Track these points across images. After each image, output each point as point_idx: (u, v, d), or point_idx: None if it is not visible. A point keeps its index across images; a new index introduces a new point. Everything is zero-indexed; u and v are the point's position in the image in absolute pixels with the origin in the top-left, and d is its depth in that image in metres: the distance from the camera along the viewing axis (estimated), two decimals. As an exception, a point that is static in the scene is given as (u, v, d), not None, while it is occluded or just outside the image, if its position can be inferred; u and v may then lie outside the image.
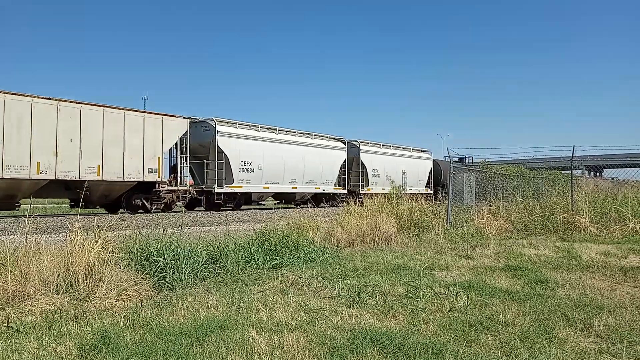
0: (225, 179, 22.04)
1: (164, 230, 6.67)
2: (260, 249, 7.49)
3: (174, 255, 6.04)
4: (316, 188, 27.26)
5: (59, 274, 5.00)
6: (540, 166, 20.58)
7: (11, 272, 4.81)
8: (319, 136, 28.12)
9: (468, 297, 5.06)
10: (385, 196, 12.69)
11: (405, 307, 4.77)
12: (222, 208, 22.83)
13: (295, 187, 25.90)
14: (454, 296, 5.09)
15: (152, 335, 3.91)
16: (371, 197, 23.77)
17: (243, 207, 24.51)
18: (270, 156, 24.14)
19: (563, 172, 20.02)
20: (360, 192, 28.29)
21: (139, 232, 6.89)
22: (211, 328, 4.04)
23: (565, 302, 4.96)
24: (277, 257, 7.25)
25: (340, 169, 28.77)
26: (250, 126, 24.01)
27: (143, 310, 4.64)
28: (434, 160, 36.42)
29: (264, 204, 27.21)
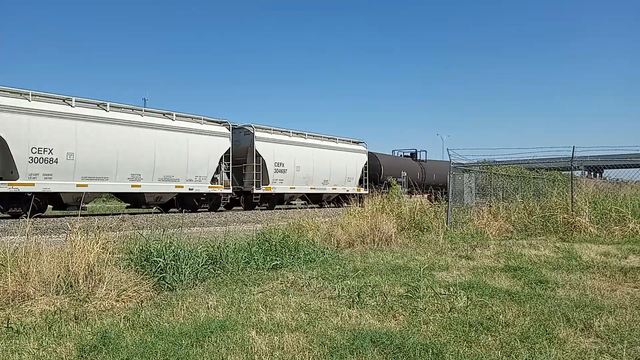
0: (261, 180, 23.02)
1: (163, 231, 6.67)
2: (260, 249, 7.49)
3: (174, 255, 6.04)
4: (333, 189, 27.63)
5: (58, 275, 5.00)
6: (540, 166, 20.57)
7: (11, 272, 4.81)
8: (343, 140, 28.91)
9: (468, 298, 5.06)
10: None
11: (406, 308, 4.77)
12: (257, 207, 23.51)
13: (315, 188, 26.55)
14: (454, 297, 5.09)
15: (152, 336, 3.91)
16: (269, 199, 21.89)
17: (276, 206, 25.10)
18: (300, 159, 25.05)
19: (563, 172, 20.02)
20: (255, 191, 22.68)
21: (139, 233, 6.88)
22: (211, 328, 4.03)
23: (565, 303, 4.96)
24: (277, 258, 7.25)
25: (362, 170, 29.48)
26: (282, 131, 24.93)
27: (143, 311, 4.64)
28: (370, 154, 30.83)
29: (295, 204, 26.94)
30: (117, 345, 3.69)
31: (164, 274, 5.82)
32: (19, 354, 3.55)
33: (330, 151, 27.22)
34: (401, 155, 37.49)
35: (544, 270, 6.81)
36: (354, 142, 29.69)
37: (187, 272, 5.96)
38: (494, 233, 11.22)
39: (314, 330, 4.07)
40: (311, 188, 25.99)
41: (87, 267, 5.15)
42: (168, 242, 6.36)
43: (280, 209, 23.82)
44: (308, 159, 25.62)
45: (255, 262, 7.00)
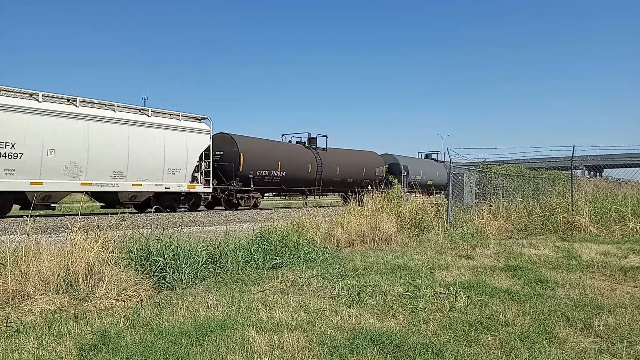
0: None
1: (163, 230, 6.68)
2: (260, 248, 7.49)
3: (173, 255, 6.05)
4: (136, 184, 17.69)
5: (58, 274, 5.00)
6: (541, 166, 20.56)
7: (11, 271, 4.81)
8: (160, 113, 19.14)
9: (468, 297, 5.06)
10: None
11: (405, 307, 4.77)
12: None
13: (92, 184, 16.61)
14: (453, 296, 5.09)
15: (152, 335, 3.91)
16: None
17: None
18: (58, 137, 15.64)
19: (563, 172, 20.01)
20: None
21: (139, 233, 6.88)
22: (211, 328, 4.04)
23: (565, 302, 4.96)
24: (277, 257, 7.25)
25: (201, 158, 19.79)
26: (20, 93, 15.33)
27: (143, 310, 4.64)
28: (216, 136, 21.61)
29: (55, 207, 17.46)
30: (117, 344, 3.69)
31: (163, 273, 5.82)
32: (18, 353, 3.55)
33: (131, 127, 17.72)
34: (290, 142, 28.07)
35: (543, 270, 6.81)
36: (185, 116, 19.66)
37: (187, 272, 5.96)
38: (494, 232, 11.22)
39: (314, 330, 4.07)
40: (83, 184, 16.40)
41: (87, 266, 5.15)
42: (168, 241, 6.36)
43: (280, 209, 23.69)
44: (77, 139, 16.06)
45: (255, 261, 7.00)
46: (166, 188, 18.68)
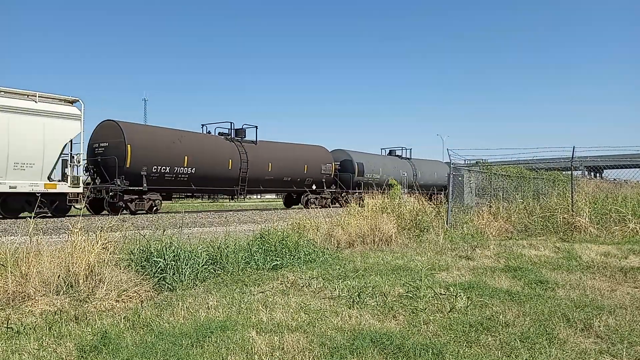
0: None
1: (163, 231, 6.67)
2: (260, 249, 7.50)
3: (174, 256, 6.05)
4: None
5: (59, 275, 5.00)
6: (541, 167, 20.57)
7: (11, 273, 4.81)
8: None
9: (468, 298, 5.06)
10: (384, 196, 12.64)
11: (406, 308, 4.77)
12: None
13: None
14: (454, 297, 5.08)
15: (152, 336, 3.91)
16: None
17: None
18: None
19: (563, 172, 20.02)
20: None
21: (140, 233, 6.88)
22: (211, 329, 4.04)
23: (565, 303, 4.96)
24: (277, 258, 7.25)
25: (62, 149, 15.96)
26: None
27: (143, 311, 4.64)
28: (103, 124, 18.78)
29: None
30: (117, 345, 3.69)
31: (164, 274, 5.82)
32: (19, 354, 3.55)
33: None
34: (210, 133, 23.38)
35: (544, 271, 6.81)
36: (44, 98, 15.88)
37: (187, 273, 5.96)
38: (494, 233, 11.22)
39: (314, 331, 4.07)
40: None
41: (87, 267, 5.15)
42: (168, 242, 6.36)
43: (277, 209, 23.55)
44: None
45: (255, 262, 7.00)
46: (11, 188, 14.82)
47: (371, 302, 5.00)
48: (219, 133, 23.45)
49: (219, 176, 21.38)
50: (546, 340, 3.84)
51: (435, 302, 4.95)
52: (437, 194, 21.73)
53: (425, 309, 4.74)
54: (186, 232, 7.97)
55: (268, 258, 7.21)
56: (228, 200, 26.20)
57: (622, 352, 3.60)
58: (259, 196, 42.34)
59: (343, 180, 28.88)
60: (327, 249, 8.51)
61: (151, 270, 5.82)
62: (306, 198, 25.99)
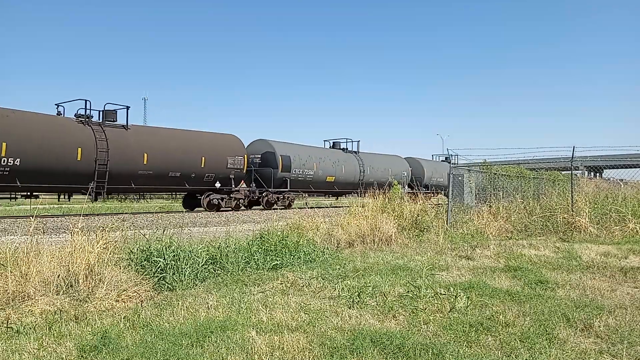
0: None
1: (163, 231, 6.67)
2: (260, 249, 7.49)
3: (174, 255, 6.04)
4: None
5: (59, 275, 5.00)
6: (541, 167, 20.57)
7: (11, 272, 4.81)
8: None
9: (468, 298, 5.06)
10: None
11: (406, 308, 4.77)
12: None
13: None
14: (454, 297, 5.08)
15: (152, 336, 3.91)
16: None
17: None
18: None
19: (563, 172, 20.02)
20: None
21: (141, 233, 6.88)
22: (211, 329, 4.04)
23: (565, 303, 4.96)
24: (277, 258, 7.25)
25: None
26: None
27: (143, 311, 4.64)
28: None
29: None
30: (117, 345, 3.69)
31: (164, 274, 5.82)
32: (19, 354, 3.55)
33: None
34: (60, 114, 17.62)
35: (544, 271, 6.81)
36: None
37: (187, 272, 5.96)
38: (494, 233, 11.21)
39: (314, 331, 4.07)
40: None
41: (87, 267, 5.14)
42: (168, 242, 6.36)
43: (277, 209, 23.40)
44: None
45: (255, 262, 7.00)
46: None
47: (371, 302, 5.00)
48: (76, 115, 17.88)
49: (63, 169, 16.36)
50: (546, 340, 3.84)
51: (435, 302, 4.95)
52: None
53: (425, 308, 4.74)
54: (186, 232, 7.97)
55: (268, 258, 7.21)
56: (90, 202, 20.21)
57: (622, 352, 3.60)
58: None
59: (263, 176, 23.99)
60: (327, 248, 8.50)
61: (151, 270, 5.82)
62: (207, 199, 21.25)
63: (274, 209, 23.21)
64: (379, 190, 12.64)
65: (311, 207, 13.04)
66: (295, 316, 4.50)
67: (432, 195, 29.89)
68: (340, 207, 22.25)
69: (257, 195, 23.60)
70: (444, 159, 38.34)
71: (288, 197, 24.92)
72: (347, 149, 30.20)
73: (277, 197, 24.27)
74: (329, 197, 31.72)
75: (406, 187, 31.73)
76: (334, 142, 30.49)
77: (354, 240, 9.41)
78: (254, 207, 24.24)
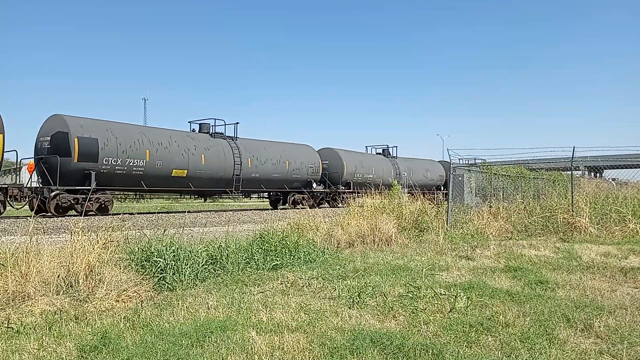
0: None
1: (164, 231, 6.67)
2: (260, 249, 7.49)
3: (174, 256, 6.04)
4: None
5: (59, 275, 5.00)
6: (541, 167, 20.56)
7: (11, 272, 4.81)
8: None
9: (468, 298, 5.06)
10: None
11: (406, 308, 4.77)
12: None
13: None
14: (454, 297, 5.08)
15: (152, 336, 3.91)
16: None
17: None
18: None
19: (563, 172, 20.01)
20: None
21: (141, 233, 6.88)
22: (211, 329, 4.04)
23: (565, 303, 4.96)
24: (277, 258, 7.25)
25: None
26: None
27: (143, 311, 4.64)
28: None
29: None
30: (117, 345, 3.69)
31: (164, 274, 5.82)
32: (19, 354, 3.55)
33: None
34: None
35: (544, 271, 6.80)
36: None
37: (187, 273, 5.96)
38: (494, 233, 11.21)
39: (314, 331, 4.07)
40: None
41: (87, 267, 5.15)
42: (168, 242, 6.36)
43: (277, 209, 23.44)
44: None
45: (255, 262, 7.00)
46: None
47: (371, 302, 5.00)
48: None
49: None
50: (546, 340, 3.84)
51: (435, 302, 4.95)
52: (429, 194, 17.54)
53: (425, 309, 4.74)
54: (187, 232, 7.97)
55: (268, 258, 7.21)
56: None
57: (622, 352, 3.60)
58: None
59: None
60: (327, 249, 8.50)
61: (151, 270, 5.82)
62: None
63: (338, 206, 25.59)
64: (419, 190, 12.86)
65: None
66: (295, 316, 4.50)
67: (357, 196, 20.89)
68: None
69: (329, 195, 26.42)
70: (379, 152, 34.34)
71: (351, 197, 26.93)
72: (388, 154, 32.81)
73: (343, 197, 26.81)
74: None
75: (442, 189, 32.34)
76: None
77: (354, 240, 9.41)
78: (321, 206, 26.09)
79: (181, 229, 7.38)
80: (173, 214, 18.95)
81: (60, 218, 15.35)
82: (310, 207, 22.85)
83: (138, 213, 17.90)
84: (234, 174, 21.80)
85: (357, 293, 5.27)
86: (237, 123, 23.37)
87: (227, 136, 22.70)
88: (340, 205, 25.93)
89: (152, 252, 6.08)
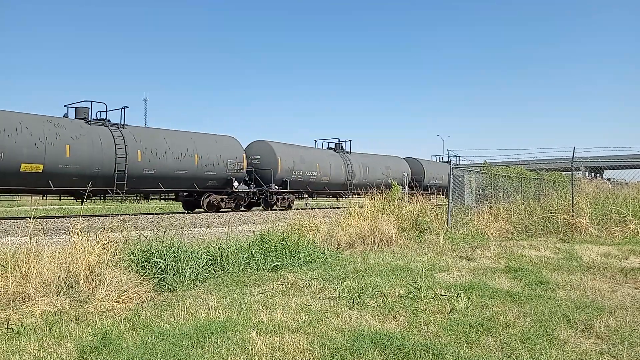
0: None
1: (164, 232, 6.67)
2: (260, 250, 7.49)
3: (174, 256, 6.04)
4: None
5: (59, 276, 5.00)
6: (541, 167, 20.56)
7: (12, 273, 4.81)
8: None
9: (469, 299, 5.05)
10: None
11: (406, 309, 4.77)
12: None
13: None
14: (454, 297, 5.08)
15: (153, 337, 3.91)
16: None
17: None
18: None
19: (563, 173, 20.01)
20: None
21: (141, 234, 6.88)
22: (212, 329, 4.04)
23: (565, 304, 4.96)
24: (278, 259, 7.25)
25: None
26: None
27: (143, 312, 4.64)
28: None
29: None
30: (117, 346, 3.69)
31: (164, 275, 5.82)
32: (19, 354, 3.55)
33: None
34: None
35: (544, 271, 6.80)
36: None
37: (187, 273, 5.96)
38: (494, 234, 11.20)
39: (315, 331, 4.07)
40: None
41: (87, 268, 5.15)
42: (169, 243, 6.36)
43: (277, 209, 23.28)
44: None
45: (255, 263, 7.00)
46: None
47: (371, 303, 5.00)
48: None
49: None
50: (547, 341, 3.84)
51: (436, 302, 4.95)
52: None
53: (426, 309, 4.74)
54: (187, 233, 7.98)
55: (268, 259, 7.21)
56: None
57: (623, 353, 3.60)
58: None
59: (264, 177, 23.68)
60: (328, 249, 8.50)
61: (151, 271, 5.82)
62: (207, 200, 21.20)
63: (273, 209, 22.82)
64: (377, 190, 12.65)
65: (312, 208, 13.00)
66: (296, 317, 4.50)
67: (433, 195, 26.03)
68: (338, 207, 21.85)
69: (257, 196, 23.08)
70: (444, 160, 37.10)
71: (288, 198, 24.21)
72: (337, 148, 29.16)
73: (277, 198, 23.68)
74: (314, 197, 28.36)
75: (406, 188, 30.78)
76: (324, 142, 29.21)
77: (354, 241, 9.41)
78: (254, 208, 23.93)
79: (181, 229, 7.38)
80: (173, 214, 18.94)
81: (60, 219, 15.39)
82: (233, 210, 21.19)
83: (135, 214, 17.86)
84: (115, 170, 17.33)
85: (357, 294, 5.26)
86: (350, 140, 24.92)
87: (112, 123, 18.24)
88: (276, 207, 23.13)
89: (153, 253, 6.08)
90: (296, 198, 25.43)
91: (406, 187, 29.86)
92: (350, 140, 29.61)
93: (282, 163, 23.68)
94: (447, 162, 33.89)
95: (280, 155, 23.77)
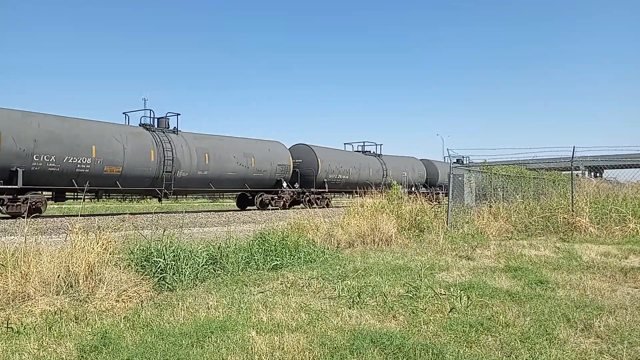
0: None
1: (164, 231, 6.67)
2: (260, 249, 7.49)
3: (174, 256, 6.04)
4: None
5: (59, 275, 5.00)
6: (541, 167, 20.58)
7: (11, 273, 4.81)
8: None
9: (468, 298, 5.05)
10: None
11: (406, 308, 4.77)
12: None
13: None
14: (454, 297, 5.08)
15: (153, 336, 3.91)
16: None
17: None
18: None
19: (563, 172, 20.02)
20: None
21: (140, 234, 6.88)
22: (211, 329, 4.03)
23: (565, 303, 4.96)
24: (277, 258, 7.25)
25: None
26: None
27: (143, 311, 4.64)
28: None
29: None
30: (117, 345, 3.69)
31: (164, 274, 5.82)
32: (19, 354, 3.55)
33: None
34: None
35: (544, 271, 6.80)
36: None
37: (187, 273, 5.96)
38: (494, 233, 11.21)
39: (314, 331, 4.07)
40: None
41: (87, 267, 5.15)
42: (168, 242, 6.36)
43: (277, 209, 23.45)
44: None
45: (255, 262, 7.00)
46: None
47: (371, 302, 5.00)
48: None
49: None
50: (546, 340, 3.84)
51: (436, 302, 4.95)
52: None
53: (426, 309, 4.74)
54: (186, 232, 7.98)
55: (268, 258, 7.21)
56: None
57: (623, 352, 3.60)
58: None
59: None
60: (327, 249, 8.50)
61: (151, 270, 5.82)
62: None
63: (312, 207, 24.07)
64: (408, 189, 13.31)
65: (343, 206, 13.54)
66: (296, 316, 4.50)
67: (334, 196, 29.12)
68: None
69: (300, 195, 25.45)
70: (455, 161, 38.84)
71: (326, 197, 26.51)
72: (369, 152, 32.42)
73: (317, 198, 26.02)
74: (352, 195, 30.42)
75: (421, 187, 33.06)
76: (358, 146, 32.64)
77: (354, 240, 9.41)
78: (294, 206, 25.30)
79: (181, 228, 7.38)
80: (173, 214, 18.95)
81: (60, 218, 15.38)
82: (282, 208, 23.32)
83: (138, 213, 18.02)
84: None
85: (357, 293, 5.27)
86: (382, 144, 29.04)
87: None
88: (315, 206, 24.13)
89: (152, 252, 6.08)
90: (334, 197, 27.95)
91: (421, 187, 33.00)
92: (381, 144, 33.37)
93: (321, 165, 26.16)
94: (456, 162, 35.54)
95: (320, 158, 26.32)
